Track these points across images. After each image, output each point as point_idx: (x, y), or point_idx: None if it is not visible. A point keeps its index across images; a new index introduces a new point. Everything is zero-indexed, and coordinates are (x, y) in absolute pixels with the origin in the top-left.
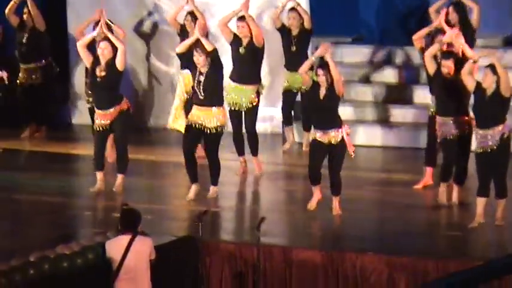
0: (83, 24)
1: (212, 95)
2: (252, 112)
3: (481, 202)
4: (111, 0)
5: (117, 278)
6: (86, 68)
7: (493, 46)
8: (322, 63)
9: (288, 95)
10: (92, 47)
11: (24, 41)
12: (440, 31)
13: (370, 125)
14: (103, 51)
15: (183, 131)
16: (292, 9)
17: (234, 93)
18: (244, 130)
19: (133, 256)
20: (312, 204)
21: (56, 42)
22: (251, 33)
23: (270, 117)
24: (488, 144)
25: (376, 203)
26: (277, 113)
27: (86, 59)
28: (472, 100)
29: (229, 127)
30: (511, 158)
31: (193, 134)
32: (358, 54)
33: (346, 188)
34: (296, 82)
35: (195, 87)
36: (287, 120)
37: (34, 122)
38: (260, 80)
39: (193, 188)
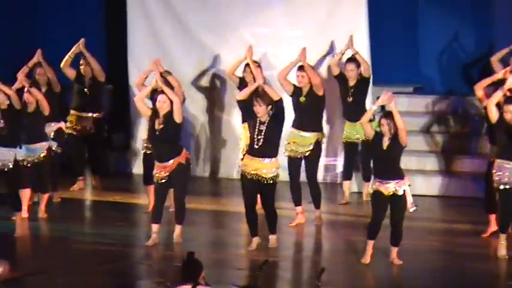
0: (141, 77)
1: (270, 146)
2: (313, 161)
3: None
4: (171, 53)
5: None
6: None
7: None
8: (386, 113)
9: (348, 146)
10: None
11: (83, 92)
12: (503, 81)
13: (430, 174)
14: (162, 104)
15: None
16: (350, 59)
17: (294, 140)
18: (303, 179)
19: None
20: (367, 258)
21: (117, 93)
22: (311, 82)
23: (327, 168)
24: None
25: (436, 253)
26: (335, 163)
27: (144, 113)
28: None
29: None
30: None
31: (251, 185)
32: (420, 104)
33: (405, 238)
34: (355, 132)
35: (254, 137)
36: (346, 174)
37: (90, 171)
38: (321, 129)
39: (254, 240)
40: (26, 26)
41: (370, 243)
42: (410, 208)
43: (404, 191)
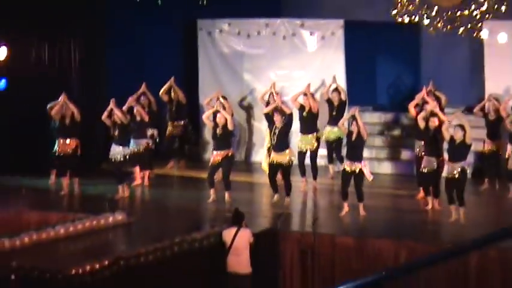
0: (207, 100)
1: (283, 143)
2: (315, 151)
3: None
4: (225, 85)
5: (228, 254)
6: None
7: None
8: (354, 118)
9: (329, 142)
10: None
11: (173, 109)
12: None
13: (380, 160)
14: (220, 119)
15: (266, 170)
16: (335, 89)
17: (301, 140)
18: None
19: (238, 241)
20: (343, 212)
21: (192, 109)
22: (310, 104)
23: (320, 156)
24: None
25: (386, 209)
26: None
27: (208, 125)
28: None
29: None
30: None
31: (274, 168)
32: (375, 116)
33: (367, 199)
34: (332, 134)
35: (271, 137)
36: (330, 159)
37: (177, 157)
38: (318, 130)
39: (276, 196)
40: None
41: (345, 203)
42: (369, 178)
43: (360, 168)
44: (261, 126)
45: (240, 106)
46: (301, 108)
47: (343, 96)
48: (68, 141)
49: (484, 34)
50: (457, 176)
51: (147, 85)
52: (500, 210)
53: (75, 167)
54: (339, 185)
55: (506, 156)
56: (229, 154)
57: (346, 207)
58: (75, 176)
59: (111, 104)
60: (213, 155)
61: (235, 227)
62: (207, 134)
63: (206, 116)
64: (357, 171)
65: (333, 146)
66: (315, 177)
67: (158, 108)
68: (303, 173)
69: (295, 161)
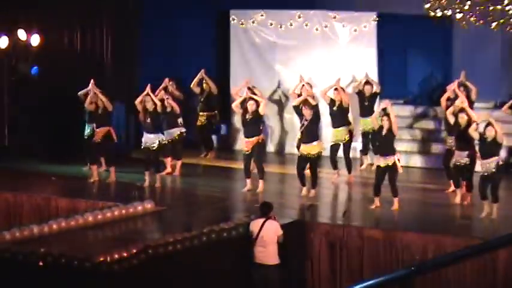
0: (237, 90)
1: (311, 134)
2: (348, 144)
3: None
4: (257, 75)
5: (255, 245)
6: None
7: (487, 108)
8: (386, 113)
9: (364, 133)
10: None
11: (204, 99)
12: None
13: (410, 154)
14: (252, 106)
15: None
16: (367, 82)
17: (334, 134)
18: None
19: (264, 232)
20: (376, 204)
21: (223, 99)
22: (341, 98)
23: (353, 148)
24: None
25: (414, 201)
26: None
27: (238, 112)
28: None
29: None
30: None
31: (303, 160)
32: (406, 110)
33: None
34: (367, 124)
35: (301, 129)
36: (364, 150)
37: (207, 147)
38: (350, 123)
39: (304, 189)
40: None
41: (377, 198)
42: (400, 170)
43: (394, 162)
44: (292, 118)
45: (271, 98)
46: (332, 102)
47: (376, 88)
48: (100, 129)
49: None
50: (491, 173)
51: (172, 78)
52: None
53: (109, 155)
54: (370, 178)
55: None
56: (260, 140)
57: (377, 202)
58: (111, 164)
59: (147, 89)
60: (245, 142)
61: (262, 218)
62: (238, 123)
63: (235, 105)
64: (391, 164)
65: (369, 137)
66: (349, 171)
67: (185, 100)
68: (335, 166)
69: (325, 153)
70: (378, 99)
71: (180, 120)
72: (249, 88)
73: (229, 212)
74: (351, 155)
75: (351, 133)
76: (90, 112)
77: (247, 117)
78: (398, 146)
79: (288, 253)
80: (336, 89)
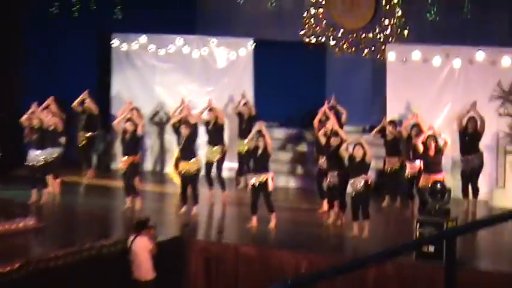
0: (119, 117)
1: (188, 151)
2: (220, 163)
3: None
4: (137, 98)
5: (131, 261)
6: None
7: (357, 131)
8: (261, 134)
9: (240, 154)
10: None
11: (85, 119)
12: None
13: (284, 174)
14: (130, 127)
15: (174, 179)
16: (244, 104)
17: (208, 152)
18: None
19: (136, 247)
20: (253, 224)
21: (104, 120)
22: (217, 116)
23: (230, 168)
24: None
25: (287, 220)
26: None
27: (118, 131)
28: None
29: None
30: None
31: (185, 179)
32: (281, 133)
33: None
34: (243, 146)
35: (179, 148)
36: (239, 171)
37: (87, 166)
38: (224, 143)
39: (184, 208)
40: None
41: (254, 217)
42: (270, 188)
43: (266, 179)
44: (171, 139)
45: (152, 120)
46: (207, 123)
47: (253, 111)
48: None
49: (388, 56)
50: (360, 190)
51: (56, 98)
52: (399, 227)
53: None
54: (246, 197)
55: (410, 174)
56: (135, 160)
57: (254, 221)
58: None
59: (33, 107)
60: (122, 161)
61: (134, 234)
62: (118, 144)
63: (117, 122)
64: (263, 181)
65: (244, 159)
66: (223, 188)
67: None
68: (210, 183)
69: (203, 172)
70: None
71: (61, 139)
72: (131, 109)
73: (109, 229)
74: (227, 175)
75: (224, 152)
76: None
77: (126, 137)
78: (273, 166)
79: (166, 269)
80: (210, 109)
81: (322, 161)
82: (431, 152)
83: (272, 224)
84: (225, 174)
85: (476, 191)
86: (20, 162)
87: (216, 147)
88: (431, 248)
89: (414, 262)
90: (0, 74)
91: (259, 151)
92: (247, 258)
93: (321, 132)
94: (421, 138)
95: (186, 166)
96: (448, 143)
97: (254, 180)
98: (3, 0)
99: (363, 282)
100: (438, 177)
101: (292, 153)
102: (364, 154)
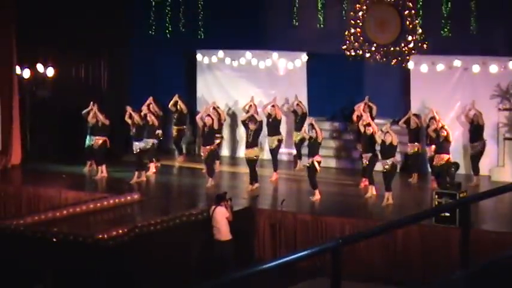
0: (202, 111)
1: (253, 142)
2: (276, 149)
3: None
4: (217, 100)
5: (212, 226)
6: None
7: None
8: (312, 126)
9: (296, 143)
10: None
11: (177, 116)
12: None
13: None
14: (208, 121)
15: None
16: (298, 104)
17: (268, 140)
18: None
19: (215, 215)
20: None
21: (192, 117)
22: (276, 113)
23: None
24: None
25: (335, 193)
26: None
27: (199, 124)
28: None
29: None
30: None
31: (249, 162)
32: (328, 125)
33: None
34: (298, 136)
35: (247, 139)
36: (298, 155)
37: (179, 153)
38: (280, 133)
39: (253, 184)
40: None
41: (316, 190)
42: (319, 170)
43: (313, 161)
44: (241, 130)
45: (228, 114)
46: (269, 115)
47: (305, 109)
48: (99, 138)
49: (410, 65)
50: (388, 168)
51: (155, 99)
52: (421, 197)
53: (104, 158)
54: (300, 175)
55: (429, 156)
56: (213, 147)
57: (317, 194)
58: (100, 164)
59: (129, 110)
60: (202, 150)
61: (215, 205)
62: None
63: (199, 117)
64: (310, 163)
65: (298, 146)
66: (275, 169)
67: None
68: (275, 165)
69: (264, 156)
70: (307, 118)
71: (158, 131)
72: (213, 108)
73: (196, 201)
74: (286, 158)
75: (280, 141)
76: (92, 125)
77: (205, 129)
78: (322, 151)
79: (240, 232)
80: (273, 105)
81: (360, 146)
82: (441, 139)
83: (316, 197)
84: (284, 157)
85: (477, 170)
86: (127, 150)
87: (274, 137)
88: (447, 214)
89: (434, 225)
90: (114, 83)
91: (312, 140)
92: (303, 223)
93: (360, 123)
94: (432, 128)
95: (249, 153)
96: (450, 133)
97: (308, 162)
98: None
99: (394, 240)
100: (447, 156)
101: (337, 140)
102: (392, 139)
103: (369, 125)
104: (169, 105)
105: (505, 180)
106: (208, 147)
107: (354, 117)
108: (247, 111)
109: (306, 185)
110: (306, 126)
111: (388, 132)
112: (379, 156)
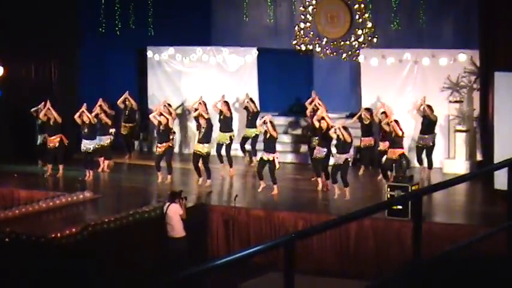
0: (156, 107)
1: (204, 138)
2: (229, 145)
3: None
4: (167, 97)
5: (166, 222)
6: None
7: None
8: (267, 122)
9: (246, 138)
10: None
11: (127, 113)
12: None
13: (285, 153)
14: (163, 119)
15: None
16: (250, 100)
17: (219, 136)
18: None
19: (169, 212)
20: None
21: (142, 114)
22: (226, 110)
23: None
24: None
25: (288, 188)
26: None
27: (154, 123)
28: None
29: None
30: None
31: (196, 157)
32: (281, 120)
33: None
34: (250, 133)
35: (198, 134)
36: (243, 150)
37: (129, 150)
38: (232, 130)
39: (200, 179)
40: None
41: (261, 181)
42: (277, 166)
43: (273, 158)
44: (193, 126)
45: (178, 112)
46: (220, 112)
47: (256, 106)
48: (53, 137)
49: (361, 59)
50: (342, 163)
51: (105, 98)
52: (373, 190)
53: (61, 156)
54: (251, 171)
55: (380, 149)
56: (169, 145)
57: (262, 184)
58: (61, 163)
59: (83, 108)
60: (157, 147)
61: (169, 202)
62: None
63: (152, 116)
64: (271, 159)
65: (250, 141)
66: (230, 165)
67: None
68: (221, 160)
69: (213, 152)
70: (259, 114)
71: (112, 130)
72: (165, 105)
73: (148, 198)
74: (234, 154)
75: (231, 138)
76: (44, 124)
77: (160, 128)
78: (277, 147)
79: (193, 229)
80: (224, 102)
81: (315, 140)
82: (394, 133)
83: (275, 192)
84: (233, 153)
85: (431, 164)
86: (78, 148)
87: (226, 134)
88: (400, 207)
89: (386, 218)
90: (65, 82)
91: (268, 135)
92: (256, 219)
93: (315, 118)
94: (383, 122)
95: (199, 148)
96: (398, 127)
97: (264, 156)
98: (67, 22)
99: (347, 234)
100: (400, 151)
101: (290, 135)
102: (344, 136)
103: (322, 118)
104: (118, 102)
105: (456, 172)
106: (165, 144)
107: (309, 112)
108: (196, 110)
109: (254, 180)
110: (260, 122)
111: (344, 128)
112: (334, 151)
